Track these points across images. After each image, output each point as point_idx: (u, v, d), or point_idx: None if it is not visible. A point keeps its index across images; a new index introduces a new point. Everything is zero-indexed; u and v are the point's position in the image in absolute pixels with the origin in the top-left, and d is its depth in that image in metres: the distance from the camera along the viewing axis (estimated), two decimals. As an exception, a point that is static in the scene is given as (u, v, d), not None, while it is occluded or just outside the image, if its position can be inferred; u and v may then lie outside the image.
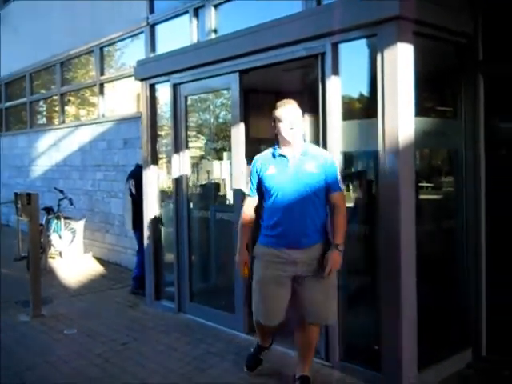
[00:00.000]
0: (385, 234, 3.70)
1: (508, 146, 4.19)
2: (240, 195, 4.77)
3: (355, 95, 4.29)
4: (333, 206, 3.55)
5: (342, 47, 3.99)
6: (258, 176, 3.63)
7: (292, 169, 3.52)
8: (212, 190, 5.75)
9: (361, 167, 4.31)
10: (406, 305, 3.64)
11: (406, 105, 3.61)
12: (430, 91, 4.37)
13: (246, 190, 3.72)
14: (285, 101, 3.60)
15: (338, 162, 3.81)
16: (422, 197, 4.21)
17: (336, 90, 4.00)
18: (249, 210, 3.74)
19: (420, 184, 4.22)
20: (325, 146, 4.02)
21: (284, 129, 3.51)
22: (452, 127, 4.27)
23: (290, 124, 3.49)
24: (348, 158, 4.15)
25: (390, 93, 3.59)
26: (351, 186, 4.24)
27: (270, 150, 3.67)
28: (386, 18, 3.58)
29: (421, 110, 3.87)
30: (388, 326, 3.70)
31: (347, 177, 4.10)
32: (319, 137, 4.13)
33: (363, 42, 3.98)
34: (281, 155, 3.56)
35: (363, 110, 4.21)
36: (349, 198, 4.01)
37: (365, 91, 4.20)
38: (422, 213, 3.93)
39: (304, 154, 3.54)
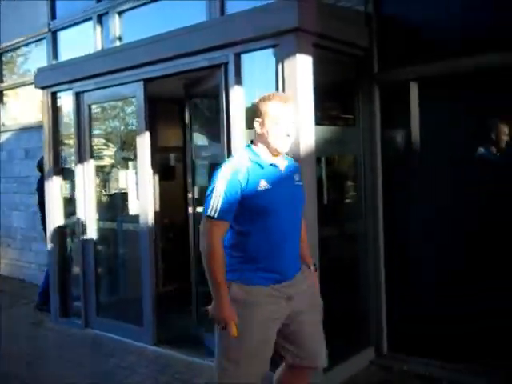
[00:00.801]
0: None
1: (401, 154, 4.41)
2: (146, 205, 4.71)
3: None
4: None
5: (245, 57, 4.03)
6: (243, 192, 2.53)
7: (287, 182, 2.69)
8: (119, 200, 5.63)
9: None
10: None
11: (307, 114, 3.70)
12: (331, 101, 4.53)
13: (212, 211, 2.50)
14: (285, 94, 2.89)
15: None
16: (326, 202, 4.35)
17: (239, 100, 4.04)
18: (220, 239, 2.55)
19: (324, 189, 4.35)
20: (229, 155, 4.03)
21: (280, 134, 2.60)
22: (351, 135, 4.44)
23: (288, 129, 2.62)
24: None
25: (291, 102, 3.67)
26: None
27: (246, 156, 2.64)
28: (285, 29, 3.66)
29: (321, 119, 4.01)
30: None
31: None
32: (223, 145, 4.14)
33: (266, 52, 4.02)
34: (272, 164, 2.65)
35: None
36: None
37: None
38: (325, 218, 4.04)
39: (289, 162, 2.79)
